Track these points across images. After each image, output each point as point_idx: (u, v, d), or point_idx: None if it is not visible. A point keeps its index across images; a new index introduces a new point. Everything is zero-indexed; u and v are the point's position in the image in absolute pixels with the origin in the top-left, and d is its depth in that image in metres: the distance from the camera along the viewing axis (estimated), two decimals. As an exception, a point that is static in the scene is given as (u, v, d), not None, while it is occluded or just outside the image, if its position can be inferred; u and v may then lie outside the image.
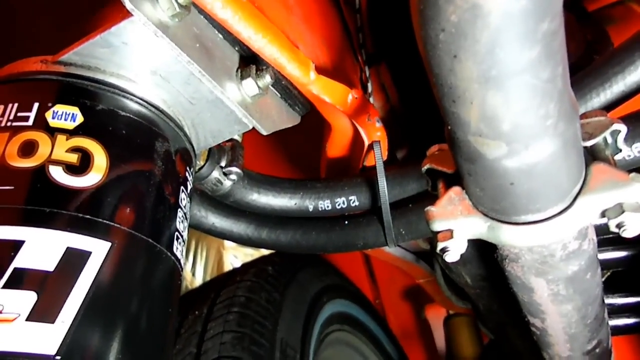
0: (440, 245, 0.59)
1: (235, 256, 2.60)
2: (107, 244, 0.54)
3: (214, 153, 0.91)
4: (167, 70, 0.68)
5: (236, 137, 0.95)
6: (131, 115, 0.65)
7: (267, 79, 0.75)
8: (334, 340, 1.81)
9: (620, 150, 0.59)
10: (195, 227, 1.05)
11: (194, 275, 2.63)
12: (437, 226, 0.59)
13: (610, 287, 1.18)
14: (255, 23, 0.59)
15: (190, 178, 0.74)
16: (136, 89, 0.68)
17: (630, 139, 0.70)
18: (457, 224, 0.58)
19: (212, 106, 0.73)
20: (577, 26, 0.96)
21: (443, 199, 0.60)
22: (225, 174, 0.93)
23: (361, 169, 1.05)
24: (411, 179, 0.95)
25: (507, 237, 0.56)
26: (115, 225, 0.56)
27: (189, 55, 0.66)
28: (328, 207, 1.01)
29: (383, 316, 2.31)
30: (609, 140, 0.58)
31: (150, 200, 0.62)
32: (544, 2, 0.35)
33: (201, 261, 2.66)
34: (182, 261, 0.67)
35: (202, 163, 0.90)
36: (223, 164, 0.92)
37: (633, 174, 0.53)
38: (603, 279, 1.18)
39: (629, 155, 0.71)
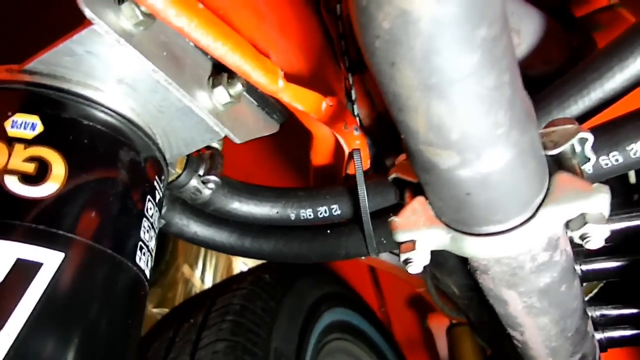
0: (403, 257, 0.57)
1: (245, 263, 2.60)
2: (61, 255, 0.53)
3: (192, 161, 0.91)
4: (133, 79, 0.68)
5: (216, 145, 0.94)
6: (95, 124, 0.64)
7: (239, 86, 0.74)
8: (334, 349, 1.79)
9: (589, 160, 0.57)
10: (178, 235, 1.05)
11: (203, 281, 2.63)
12: (400, 237, 0.58)
13: (604, 298, 1.15)
14: (214, 31, 0.58)
15: (159, 187, 0.73)
16: (103, 98, 0.67)
17: (607, 147, 0.68)
18: (419, 235, 0.57)
19: (181, 114, 0.73)
20: (562, 32, 0.94)
21: (407, 209, 0.58)
22: (203, 183, 0.92)
23: (344, 178, 1.04)
24: (393, 187, 0.93)
25: (469, 248, 0.55)
26: (72, 236, 0.55)
27: (154, 64, 0.65)
28: (310, 215, 1.00)
29: (388, 325, 2.29)
30: (577, 149, 0.57)
31: (111, 210, 0.61)
32: (476, 9, 0.34)
33: (210, 267, 2.65)
34: (147, 271, 0.66)
35: (179, 171, 0.89)
36: (201, 172, 0.91)
37: (596, 184, 0.51)
38: (596, 290, 1.16)
39: (607, 164, 0.69)
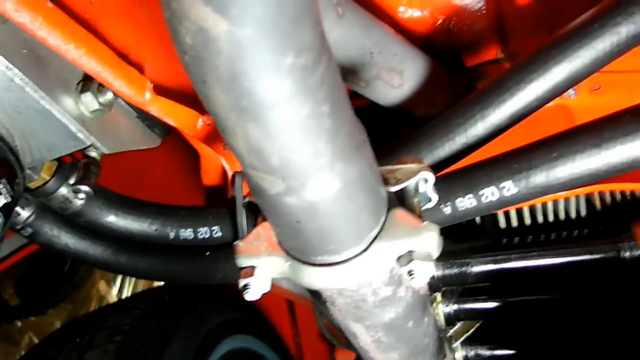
0: (241, 282, 0.56)
1: (167, 281, 2.47)
2: None
3: (64, 169, 0.86)
4: (-15, 74, 0.64)
5: (93, 154, 0.90)
6: None
7: (110, 95, 0.72)
8: (233, 378, 1.72)
9: (430, 200, 0.59)
10: (46, 246, 0.98)
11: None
12: (240, 262, 0.57)
13: (480, 338, 1.19)
14: (64, 32, 0.56)
15: (7, 190, 0.69)
16: (-52, 90, 0.63)
17: (463, 190, 0.71)
18: (259, 262, 0.56)
19: (41, 117, 0.69)
20: (448, 78, 0.99)
21: (252, 234, 0.57)
22: (74, 192, 0.87)
23: (230, 199, 1.03)
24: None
25: (306, 278, 0.54)
26: None
27: (9, 60, 0.62)
28: (190, 236, 0.97)
29: (299, 356, 2.25)
30: (421, 188, 0.58)
31: None
32: (279, 35, 0.34)
33: (129, 285, 2.51)
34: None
35: (46, 177, 0.84)
36: (72, 181, 0.86)
37: (426, 223, 0.52)
38: (473, 330, 1.20)
39: (463, 207, 0.72)
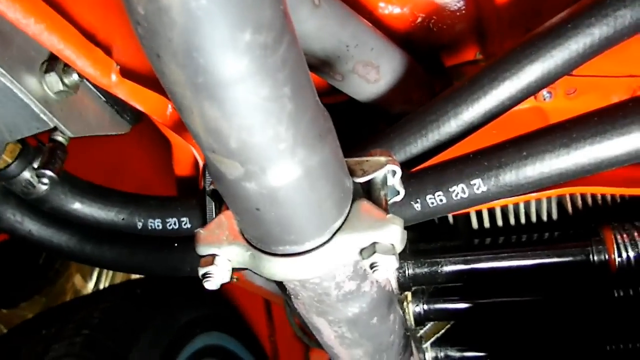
0: (201, 271, 0.54)
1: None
2: None
3: (28, 152, 0.83)
4: (-57, 48, 0.61)
5: (60, 138, 0.87)
6: None
7: (75, 76, 0.70)
8: (204, 375, 1.70)
9: (398, 193, 0.58)
10: (9, 232, 0.96)
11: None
12: (201, 250, 0.55)
13: (450, 339, 1.18)
14: (25, 5, 0.54)
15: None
16: None
17: (433, 187, 0.70)
18: (220, 250, 0.54)
19: (2, 96, 0.66)
20: (426, 76, 0.99)
21: (213, 222, 0.56)
22: (38, 177, 0.85)
23: (202, 190, 1.01)
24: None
25: (266, 268, 0.53)
26: None
27: (-32, 34, 0.60)
28: (159, 226, 0.95)
29: (274, 355, 2.22)
30: (390, 181, 0.58)
31: None
32: (235, 9, 0.33)
33: (106, 280, 2.47)
34: None
35: (8, 160, 0.81)
36: (36, 165, 0.84)
37: (390, 215, 0.51)
38: (443, 331, 1.19)
39: (432, 203, 0.71)
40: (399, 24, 1.01)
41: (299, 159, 0.44)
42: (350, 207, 0.53)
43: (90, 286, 2.43)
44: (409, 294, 1.02)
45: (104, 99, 0.81)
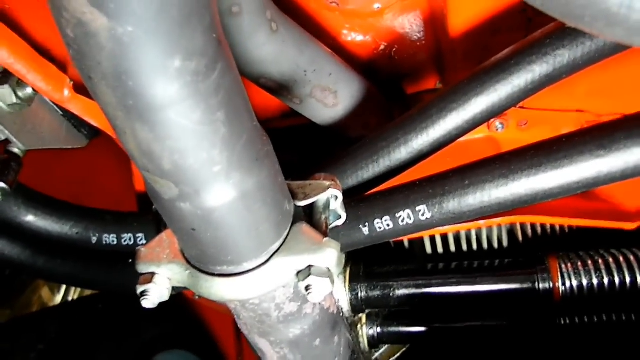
0: (139, 289, 0.55)
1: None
2: None
3: (-19, 163, 0.83)
4: None
5: (16, 150, 0.87)
6: None
7: (29, 90, 0.70)
8: (164, 394, 1.67)
9: (340, 217, 0.60)
10: (-43, 243, 0.94)
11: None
12: (140, 268, 0.55)
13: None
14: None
15: None
16: None
17: (380, 212, 0.71)
18: (159, 269, 0.55)
19: (-48, 107, 0.66)
20: (385, 103, 1.01)
21: (155, 240, 0.56)
22: (-10, 188, 0.84)
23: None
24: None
25: (205, 288, 0.53)
26: None
27: None
28: (113, 242, 0.94)
29: None
30: (332, 205, 0.59)
31: None
32: (165, 37, 0.34)
33: (75, 293, 2.41)
34: None
35: (-41, 171, 0.81)
36: (-12, 176, 0.83)
37: (327, 239, 0.52)
38: (399, 354, 1.20)
39: (380, 228, 0.72)
40: (361, 51, 1.03)
41: (234, 181, 0.45)
42: (290, 229, 0.54)
43: (58, 299, 2.37)
44: (363, 317, 1.03)
45: (60, 112, 0.81)
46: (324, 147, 1.10)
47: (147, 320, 1.61)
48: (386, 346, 1.17)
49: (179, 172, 0.42)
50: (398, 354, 1.21)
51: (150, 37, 0.34)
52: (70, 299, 2.38)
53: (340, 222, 0.60)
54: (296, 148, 1.09)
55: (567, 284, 0.86)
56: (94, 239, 0.94)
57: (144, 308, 0.56)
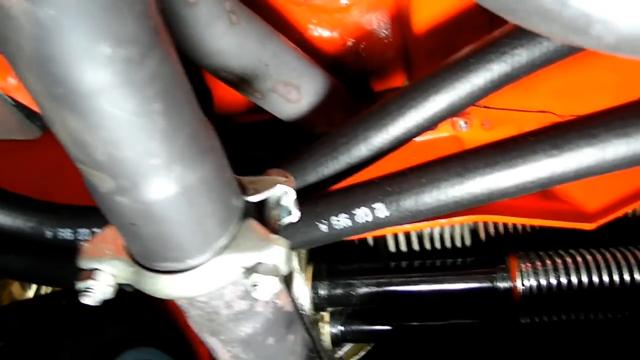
0: (80, 285, 0.53)
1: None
2: None
3: None
4: None
5: (-34, 141, 0.84)
6: None
7: (-24, 78, 0.67)
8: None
9: (291, 213, 0.58)
10: None
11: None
12: (82, 264, 0.53)
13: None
14: None
15: None
16: None
17: (337, 209, 0.70)
18: (102, 265, 0.53)
19: None
20: (350, 100, 1.00)
21: (99, 235, 0.55)
22: (-64, 179, 0.81)
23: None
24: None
25: (149, 285, 0.52)
26: None
27: None
28: (70, 236, 0.91)
29: None
30: (284, 201, 0.58)
31: None
32: (90, 23, 0.33)
33: (47, 288, 2.35)
34: None
35: None
36: None
37: (275, 236, 0.51)
38: (363, 353, 1.19)
39: (337, 225, 0.72)
40: (328, 47, 1.02)
41: (176, 175, 0.43)
42: (238, 225, 0.52)
43: (29, 295, 2.32)
44: (325, 315, 1.02)
45: (12, 102, 0.78)
46: (291, 143, 1.09)
47: (113, 318, 1.57)
48: (350, 345, 1.17)
49: (114, 164, 0.41)
50: (362, 352, 1.21)
51: (73, 22, 0.32)
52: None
53: (292, 219, 0.59)
54: (263, 143, 1.08)
55: (527, 283, 0.87)
56: (49, 234, 0.91)
57: (91, 306, 0.55)
